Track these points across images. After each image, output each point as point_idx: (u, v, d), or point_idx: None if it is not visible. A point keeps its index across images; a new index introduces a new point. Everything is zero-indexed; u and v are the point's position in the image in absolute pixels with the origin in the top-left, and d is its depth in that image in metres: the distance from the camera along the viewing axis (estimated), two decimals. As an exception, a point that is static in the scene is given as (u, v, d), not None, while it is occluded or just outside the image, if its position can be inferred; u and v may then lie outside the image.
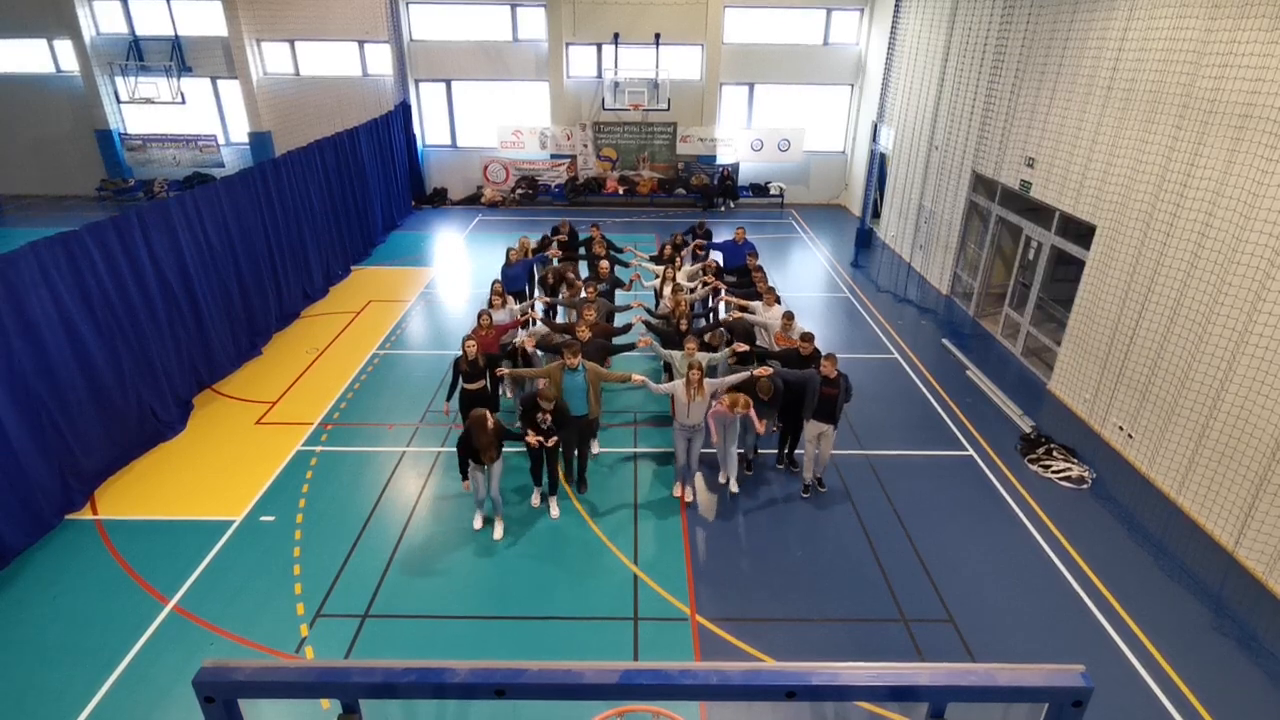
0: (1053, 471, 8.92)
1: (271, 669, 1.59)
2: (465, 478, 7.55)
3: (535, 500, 8.35)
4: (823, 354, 8.24)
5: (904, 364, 11.76)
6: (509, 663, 1.55)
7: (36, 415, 7.68)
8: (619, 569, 7.42)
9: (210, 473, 8.82)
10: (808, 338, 8.67)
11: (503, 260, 11.73)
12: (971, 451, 9.41)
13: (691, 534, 7.92)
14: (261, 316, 12.11)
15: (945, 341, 12.49)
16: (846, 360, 11.74)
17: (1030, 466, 9.06)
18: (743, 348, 8.71)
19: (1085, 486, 8.72)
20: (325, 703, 5.68)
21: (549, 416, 7.59)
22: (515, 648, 6.47)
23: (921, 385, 11.08)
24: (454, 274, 15.74)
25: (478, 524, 7.94)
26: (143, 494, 8.44)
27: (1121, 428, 9.34)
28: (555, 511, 8.18)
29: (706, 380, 7.85)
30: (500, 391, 9.76)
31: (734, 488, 8.43)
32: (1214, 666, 6.33)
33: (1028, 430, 9.71)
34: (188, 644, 6.44)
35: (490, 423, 7.35)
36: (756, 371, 8.06)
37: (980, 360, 11.76)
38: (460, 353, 8.59)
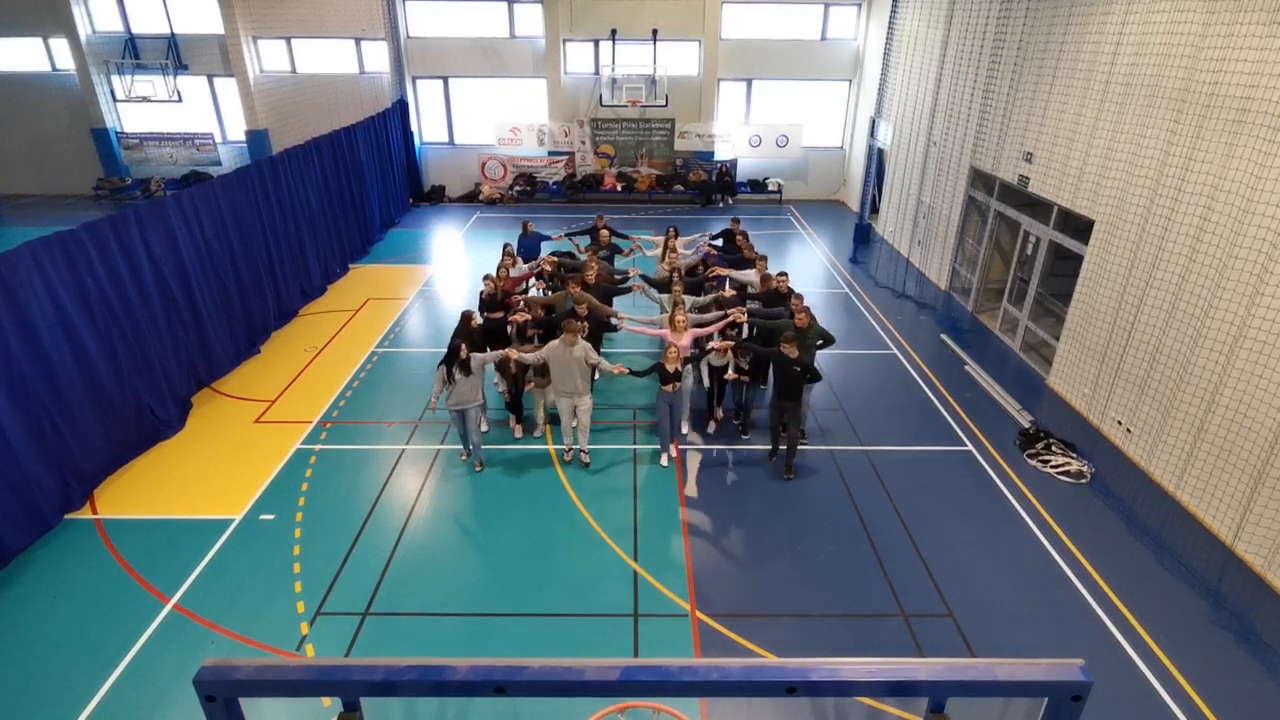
0: (1052, 466, 8.94)
1: (272, 668, 1.59)
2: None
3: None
4: (794, 293, 9.57)
5: (903, 359, 11.77)
6: (509, 660, 1.55)
7: (35, 415, 7.67)
8: (619, 565, 7.43)
9: (209, 471, 8.82)
10: (783, 274, 10.10)
11: (519, 233, 12.97)
12: (970, 447, 9.42)
13: (691, 530, 7.94)
14: (260, 315, 12.09)
15: (944, 337, 12.50)
16: (845, 355, 11.80)
17: (1029, 461, 9.07)
18: (730, 293, 10.29)
19: (1084, 481, 8.73)
20: (326, 701, 5.69)
21: (585, 324, 8.84)
22: (515, 645, 6.49)
23: (920, 380, 11.09)
24: (452, 271, 15.72)
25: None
26: (142, 493, 8.43)
27: (1120, 422, 9.35)
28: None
29: (690, 314, 9.22)
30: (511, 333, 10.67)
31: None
32: (1213, 660, 6.35)
33: (1026, 425, 9.72)
34: (188, 643, 6.45)
35: (475, 321, 9.06)
36: (731, 312, 9.35)
37: (979, 355, 11.77)
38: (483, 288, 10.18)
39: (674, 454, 9.17)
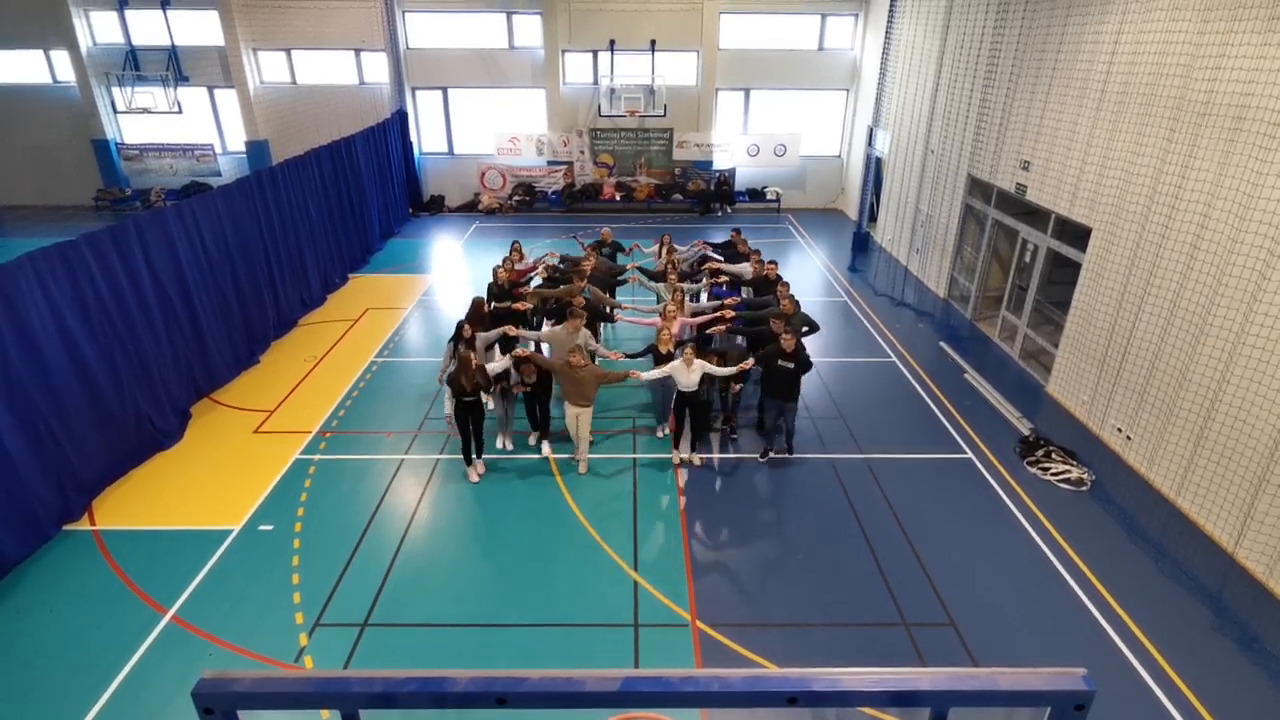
0: (1052, 474, 8.93)
1: (271, 679, 1.58)
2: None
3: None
4: (781, 280, 10.35)
5: (902, 367, 11.77)
6: (510, 671, 1.54)
7: (34, 425, 7.66)
8: (619, 575, 7.41)
9: (208, 482, 8.80)
10: (772, 262, 10.92)
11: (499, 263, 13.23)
12: (970, 454, 9.41)
13: (691, 540, 7.92)
14: (259, 325, 12.10)
15: (943, 344, 12.51)
16: (844, 363, 11.81)
17: (1029, 469, 9.07)
18: (716, 266, 11.27)
19: (1084, 488, 8.72)
20: (325, 713, 5.65)
21: (584, 313, 9.37)
22: (516, 656, 6.46)
23: (919, 388, 11.09)
24: (452, 281, 15.74)
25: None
26: (141, 504, 8.41)
27: (1120, 429, 9.35)
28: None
29: (686, 303, 9.94)
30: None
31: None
32: (1215, 668, 6.33)
33: (1026, 432, 9.72)
34: (186, 654, 6.42)
35: (485, 308, 9.78)
36: (725, 302, 10.07)
37: (978, 363, 11.77)
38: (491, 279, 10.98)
39: (669, 432, 9.63)
